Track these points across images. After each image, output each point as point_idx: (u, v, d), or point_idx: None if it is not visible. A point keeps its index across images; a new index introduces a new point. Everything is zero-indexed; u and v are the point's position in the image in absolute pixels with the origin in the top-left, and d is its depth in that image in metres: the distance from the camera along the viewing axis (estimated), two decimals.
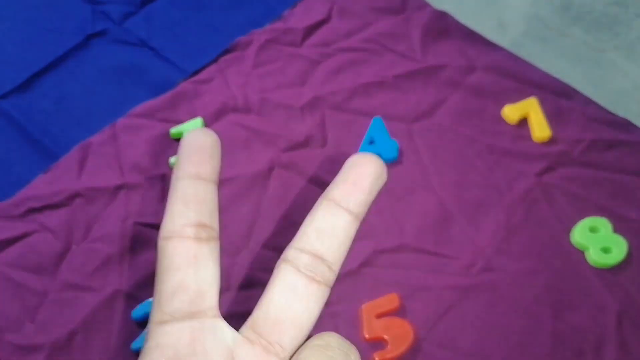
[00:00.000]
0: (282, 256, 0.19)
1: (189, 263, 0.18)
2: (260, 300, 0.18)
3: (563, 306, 0.25)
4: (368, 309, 0.25)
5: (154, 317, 0.18)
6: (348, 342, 0.18)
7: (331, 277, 0.19)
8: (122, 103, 0.32)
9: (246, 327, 0.18)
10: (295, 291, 0.18)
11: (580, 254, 0.27)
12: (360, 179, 0.19)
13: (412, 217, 0.28)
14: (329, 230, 0.19)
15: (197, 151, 0.20)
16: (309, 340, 0.18)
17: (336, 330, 0.25)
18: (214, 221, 0.19)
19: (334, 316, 0.25)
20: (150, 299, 0.25)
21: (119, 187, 0.29)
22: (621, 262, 0.26)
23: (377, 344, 0.24)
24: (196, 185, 0.19)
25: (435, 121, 0.31)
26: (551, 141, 0.30)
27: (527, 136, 0.31)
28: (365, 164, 0.20)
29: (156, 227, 0.28)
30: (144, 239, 0.27)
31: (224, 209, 0.29)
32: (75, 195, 0.28)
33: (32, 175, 0.29)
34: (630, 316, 0.25)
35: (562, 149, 0.30)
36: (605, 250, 0.26)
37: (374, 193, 0.20)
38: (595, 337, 0.24)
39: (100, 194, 0.28)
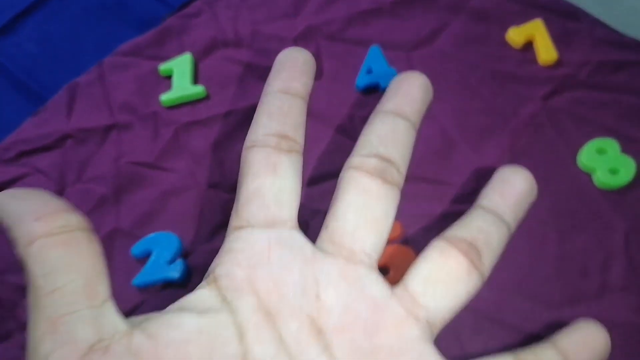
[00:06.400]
0: (346, 165, 0.19)
1: (267, 171, 0.18)
2: (332, 209, 0.18)
3: (569, 228, 0.25)
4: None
5: (232, 223, 0.18)
6: None
7: (400, 179, 0.19)
8: (108, 42, 0.30)
9: (322, 240, 0.18)
10: (369, 193, 0.18)
11: (587, 176, 0.26)
12: (410, 91, 0.20)
13: (414, 147, 0.27)
14: (390, 135, 0.19)
15: (288, 68, 0.20)
16: None
17: None
18: (298, 134, 0.19)
19: None
20: (150, 235, 0.25)
21: (109, 128, 0.28)
22: (629, 183, 0.25)
23: (380, 271, 0.24)
24: (283, 99, 0.19)
25: (436, 48, 0.30)
26: (557, 64, 0.29)
27: (533, 60, 0.29)
28: (412, 80, 0.21)
29: (150, 165, 0.28)
30: (138, 178, 0.26)
31: (219, 145, 0.28)
32: (65, 137, 0.28)
33: (21, 120, 0.28)
34: (638, 237, 0.24)
35: (569, 71, 0.29)
36: (613, 171, 0.25)
37: (425, 106, 0.21)
38: (602, 257, 0.24)
39: (91, 135, 0.28)
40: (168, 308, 0.17)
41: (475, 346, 0.23)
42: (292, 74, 0.20)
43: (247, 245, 0.17)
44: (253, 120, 0.19)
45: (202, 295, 0.17)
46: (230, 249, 0.17)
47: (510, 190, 0.19)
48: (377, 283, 0.17)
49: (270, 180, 0.18)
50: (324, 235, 0.18)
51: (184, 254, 0.25)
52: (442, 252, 0.18)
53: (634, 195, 0.25)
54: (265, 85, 0.20)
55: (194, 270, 0.25)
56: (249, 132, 0.19)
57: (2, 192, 0.16)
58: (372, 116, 0.20)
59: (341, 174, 0.18)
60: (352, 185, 0.18)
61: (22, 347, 0.24)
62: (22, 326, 0.25)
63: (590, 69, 0.29)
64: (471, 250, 0.18)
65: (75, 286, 0.15)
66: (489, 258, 0.18)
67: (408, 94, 0.20)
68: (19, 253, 0.15)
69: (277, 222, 0.17)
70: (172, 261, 0.24)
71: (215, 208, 0.26)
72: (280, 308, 0.16)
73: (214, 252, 0.25)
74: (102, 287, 0.16)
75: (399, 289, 0.18)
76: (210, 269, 0.18)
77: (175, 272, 0.24)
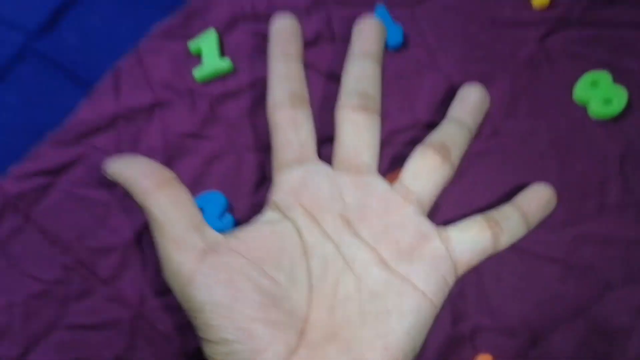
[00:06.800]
0: (337, 105, 0.25)
1: (290, 125, 0.25)
2: (336, 142, 0.25)
3: (567, 158, 0.28)
4: (388, 179, 0.28)
5: (274, 167, 0.25)
6: None
7: (378, 106, 0.25)
8: (140, 27, 0.34)
9: (335, 164, 0.25)
10: (358, 124, 0.24)
11: (582, 109, 0.28)
12: (367, 34, 0.26)
13: (422, 96, 0.30)
14: (362, 74, 0.25)
15: (282, 36, 0.26)
16: None
17: None
18: (304, 89, 0.26)
19: None
20: (200, 195, 0.29)
21: (153, 105, 0.31)
22: (622, 112, 0.28)
23: None
24: (285, 63, 0.26)
25: (437, 2, 0.32)
26: (550, 6, 0.31)
27: (527, 5, 0.31)
28: (367, 27, 0.26)
29: (193, 135, 0.31)
30: (185, 148, 0.30)
31: (251, 112, 0.31)
32: (117, 117, 0.31)
33: (74, 105, 0.32)
34: (632, 159, 0.27)
35: (562, 12, 0.31)
36: (606, 101, 0.28)
37: (382, 42, 0.27)
38: (599, 181, 0.27)
39: (138, 113, 0.31)
40: (245, 224, 0.24)
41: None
42: (286, 40, 0.26)
43: (289, 179, 0.24)
44: (268, 85, 0.25)
45: (267, 214, 0.25)
46: (278, 183, 0.25)
47: (467, 102, 0.26)
48: (380, 183, 0.25)
49: (292, 131, 0.25)
50: (335, 161, 0.25)
51: (230, 209, 0.29)
52: (422, 153, 0.25)
53: (627, 122, 0.28)
54: (268, 54, 0.26)
55: (240, 223, 0.29)
56: (268, 96, 0.25)
57: (115, 160, 0.24)
58: (345, 61, 0.26)
59: (335, 114, 0.25)
60: (345, 121, 0.25)
61: (105, 299, 0.29)
62: (102, 281, 0.29)
63: (582, 7, 0.31)
64: (442, 149, 0.24)
65: (183, 216, 0.23)
66: (456, 153, 0.25)
67: (367, 37, 0.26)
68: (139, 203, 0.23)
69: (304, 159, 0.25)
70: (221, 216, 0.28)
71: (253, 168, 0.30)
72: (320, 212, 0.24)
73: (256, 206, 0.29)
74: (199, 215, 0.23)
75: (397, 184, 0.25)
76: (267, 200, 0.25)
77: (226, 225, 0.28)
